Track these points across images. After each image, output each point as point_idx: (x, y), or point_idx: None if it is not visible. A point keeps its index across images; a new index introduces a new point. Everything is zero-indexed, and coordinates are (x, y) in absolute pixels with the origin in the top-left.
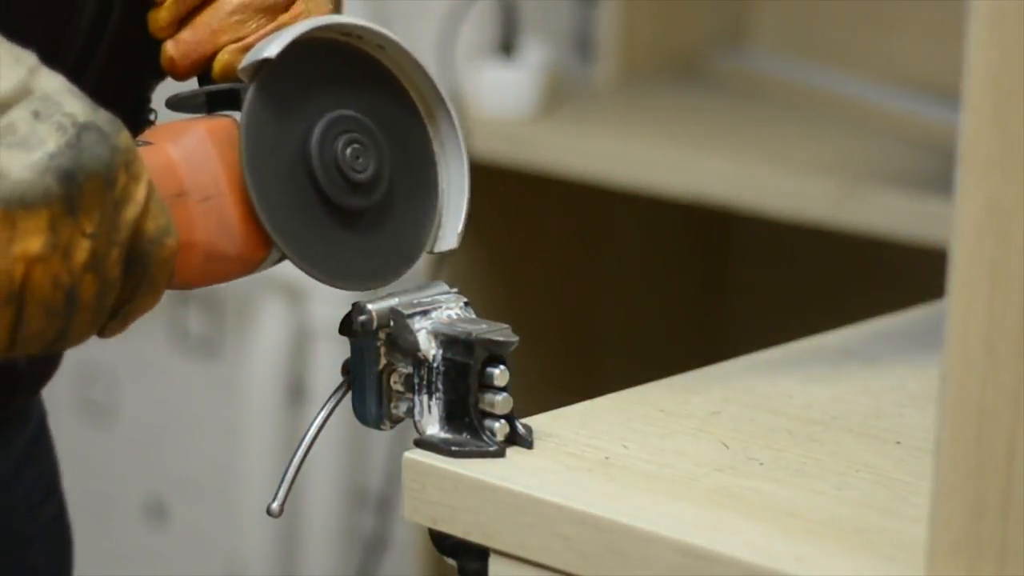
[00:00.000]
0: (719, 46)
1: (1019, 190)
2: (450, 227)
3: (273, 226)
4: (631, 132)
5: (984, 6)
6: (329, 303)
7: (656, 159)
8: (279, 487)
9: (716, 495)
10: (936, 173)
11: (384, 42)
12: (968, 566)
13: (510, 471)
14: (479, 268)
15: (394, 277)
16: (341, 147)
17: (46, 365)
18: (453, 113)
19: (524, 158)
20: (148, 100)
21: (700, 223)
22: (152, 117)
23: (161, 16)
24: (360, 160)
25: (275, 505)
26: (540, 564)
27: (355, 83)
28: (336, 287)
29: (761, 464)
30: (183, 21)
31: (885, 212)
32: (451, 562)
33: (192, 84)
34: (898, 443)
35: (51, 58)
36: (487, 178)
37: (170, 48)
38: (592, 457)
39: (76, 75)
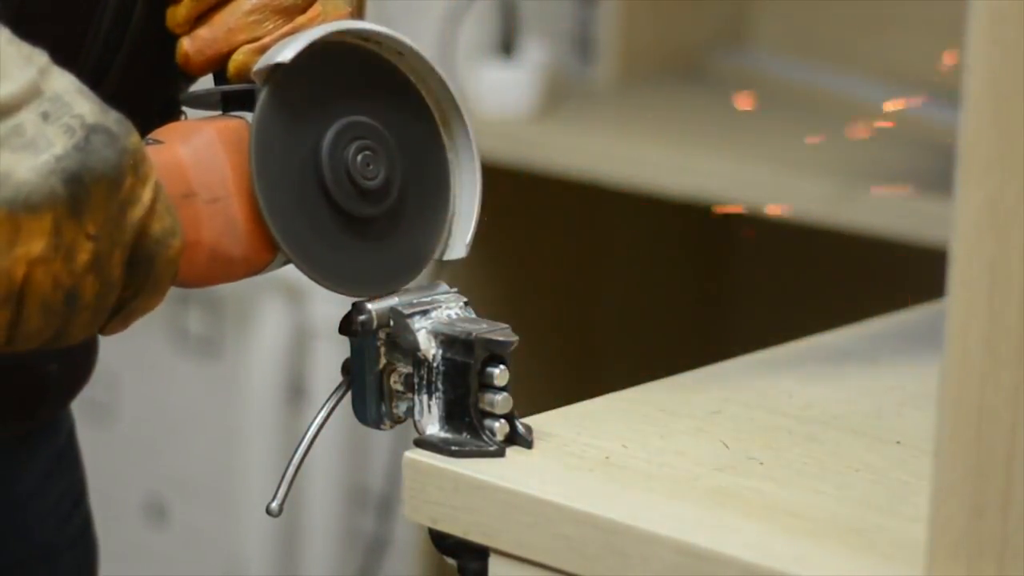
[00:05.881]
0: (719, 46)
1: (1019, 189)
2: (459, 236)
3: (279, 230)
4: (631, 132)
5: (984, 6)
6: (329, 303)
7: (656, 159)
8: (279, 486)
9: (716, 495)
10: (936, 173)
11: (402, 48)
12: (968, 566)
13: (510, 471)
14: (479, 268)
15: (399, 286)
16: (352, 153)
17: (74, 376)
18: (469, 122)
19: (524, 158)
20: (178, 101)
21: (700, 223)
22: (183, 118)
23: (179, 12)
24: (371, 167)
25: (275, 504)
26: (540, 564)
27: (370, 89)
28: (339, 293)
29: (761, 464)
30: (200, 18)
31: (885, 212)
32: (451, 562)
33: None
34: (898, 443)
35: (72, 59)
36: (487, 178)
37: (186, 44)
38: (592, 457)
39: (97, 75)
